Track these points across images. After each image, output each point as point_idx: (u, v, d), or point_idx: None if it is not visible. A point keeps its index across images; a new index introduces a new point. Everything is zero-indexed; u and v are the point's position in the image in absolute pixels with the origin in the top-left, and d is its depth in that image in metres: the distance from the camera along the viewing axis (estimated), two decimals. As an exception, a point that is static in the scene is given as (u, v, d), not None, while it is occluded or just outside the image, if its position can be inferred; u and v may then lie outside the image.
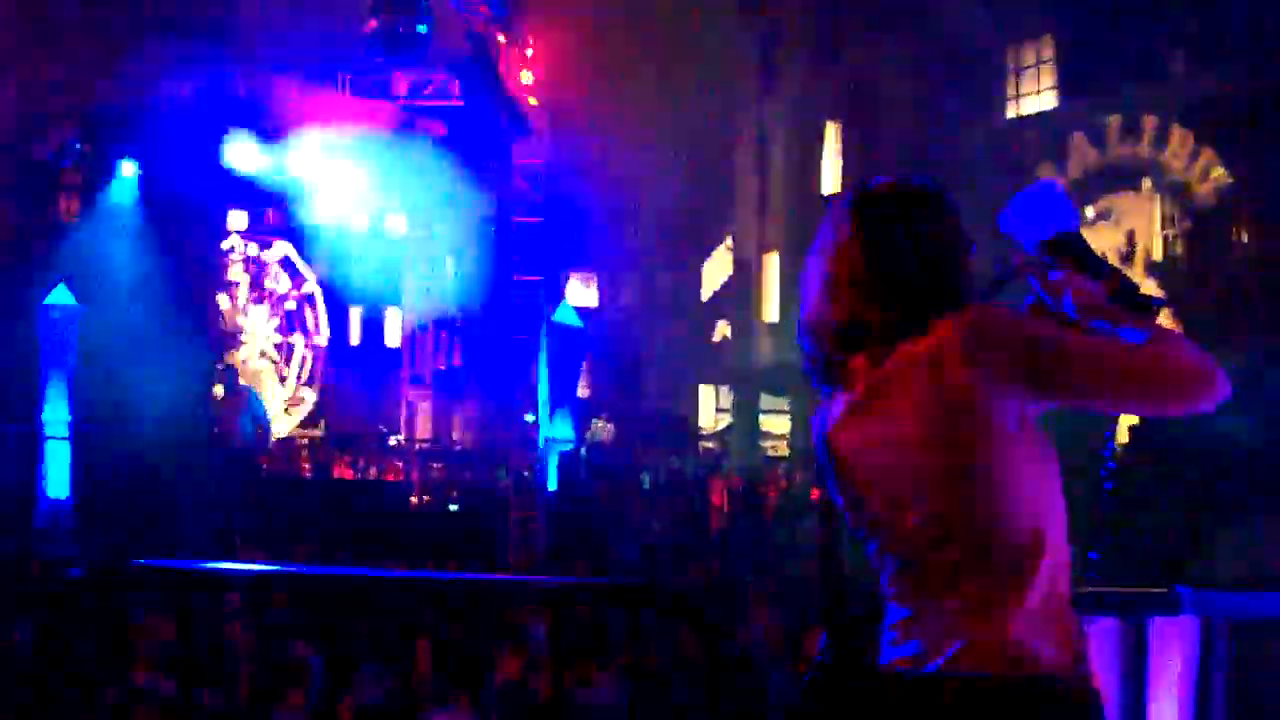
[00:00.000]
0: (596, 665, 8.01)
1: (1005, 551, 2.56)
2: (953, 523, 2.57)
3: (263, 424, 18.87)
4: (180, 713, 6.30)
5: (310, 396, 47.02)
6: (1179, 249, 23.70)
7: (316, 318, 47.55)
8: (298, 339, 46.71)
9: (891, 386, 2.61)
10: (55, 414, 18.81)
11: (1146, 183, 24.29)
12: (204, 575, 5.07)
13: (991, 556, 2.56)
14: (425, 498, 20.33)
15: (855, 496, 2.70)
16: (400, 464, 24.71)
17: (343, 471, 25.72)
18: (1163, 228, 24.27)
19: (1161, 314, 2.69)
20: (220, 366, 20.60)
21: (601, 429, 28.43)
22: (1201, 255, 22.84)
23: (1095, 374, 2.54)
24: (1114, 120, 24.80)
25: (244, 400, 18.54)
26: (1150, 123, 24.15)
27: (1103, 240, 24.36)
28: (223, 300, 37.37)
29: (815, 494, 2.82)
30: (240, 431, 17.41)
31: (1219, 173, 23.03)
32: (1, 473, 18.73)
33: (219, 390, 18.49)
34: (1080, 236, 2.70)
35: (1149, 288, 2.92)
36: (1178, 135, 23.68)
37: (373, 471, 25.22)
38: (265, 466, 21.35)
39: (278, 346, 46.46)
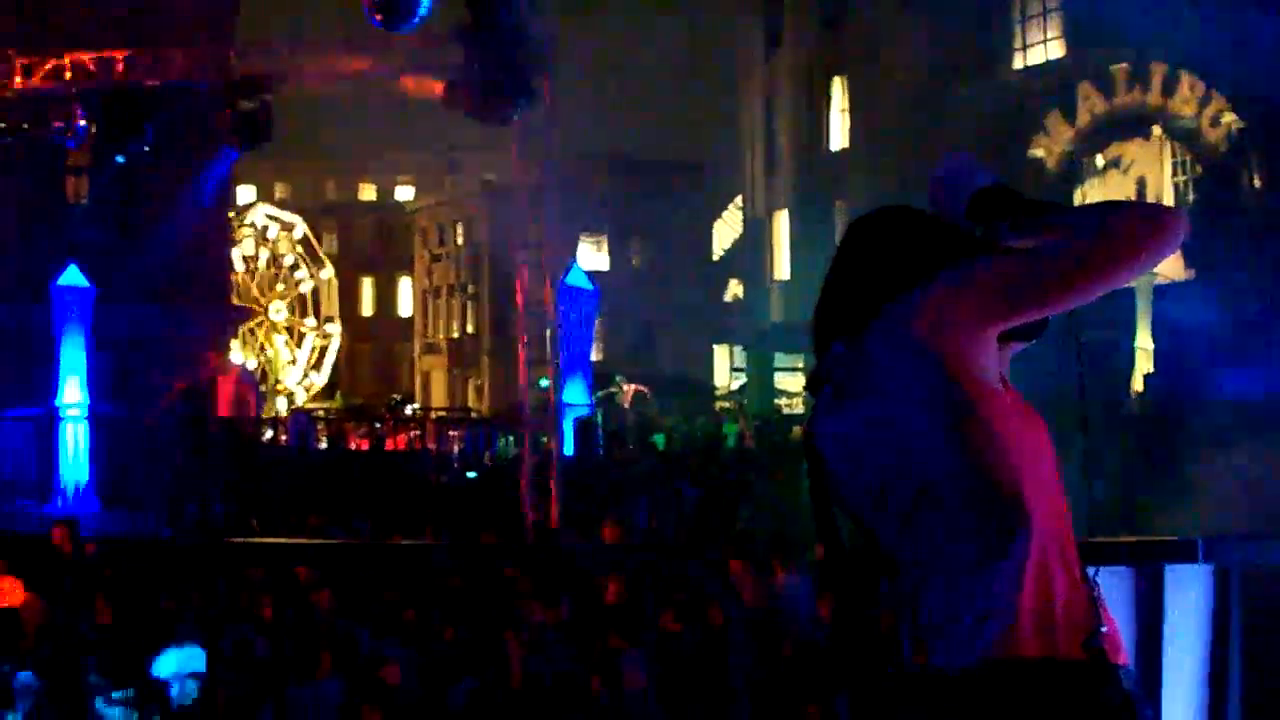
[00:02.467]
0: (623, 636, 8.05)
1: (988, 524, 2.53)
2: (932, 497, 2.55)
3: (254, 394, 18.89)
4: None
5: (320, 378, 47.15)
6: (1190, 196, 23.61)
7: (329, 295, 47.62)
8: (310, 323, 46.86)
9: (863, 370, 2.63)
10: (71, 395, 18.88)
11: (1156, 130, 24.19)
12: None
13: (974, 530, 2.53)
14: (443, 468, 20.38)
15: (840, 485, 2.71)
16: (417, 433, 24.74)
17: (359, 442, 25.75)
18: (1174, 175, 24.18)
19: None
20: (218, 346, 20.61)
21: (624, 391, 28.29)
22: (1214, 201, 22.75)
23: (1048, 272, 2.55)
24: (1122, 68, 24.68)
25: (238, 376, 18.56)
26: (1158, 70, 24.03)
27: (1113, 189, 24.28)
28: (236, 275, 37.47)
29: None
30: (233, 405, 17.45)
31: (1230, 118, 22.93)
32: (21, 454, 18.84)
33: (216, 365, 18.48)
34: (999, 188, 2.70)
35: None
36: (1187, 82, 23.57)
37: (389, 442, 25.25)
38: (280, 440, 21.43)
39: (289, 329, 46.59)
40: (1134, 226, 2.56)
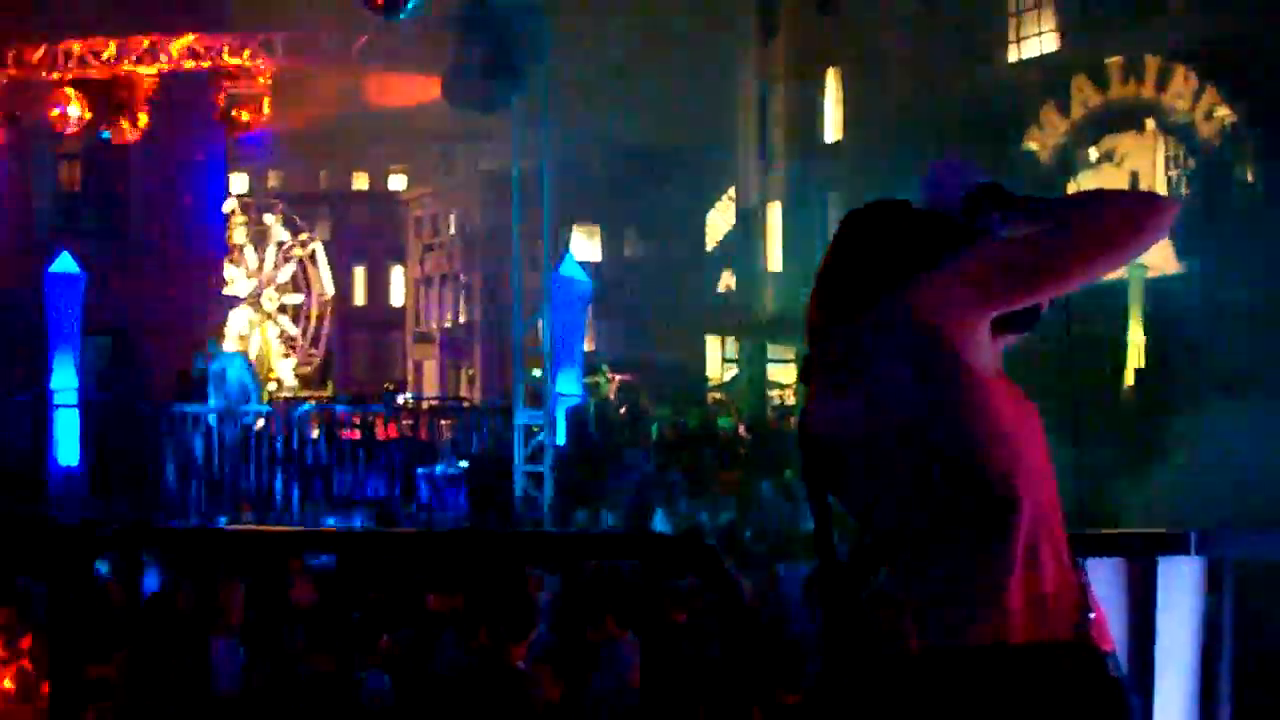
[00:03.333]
0: (615, 622, 8.04)
1: (981, 507, 2.56)
2: (927, 480, 2.58)
3: (247, 387, 18.87)
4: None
5: (318, 354, 47.11)
6: (1184, 189, 23.63)
7: (319, 276, 47.56)
8: (301, 299, 46.78)
9: (860, 356, 2.65)
10: (63, 382, 18.86)
11: (1150, 123, 24.20)
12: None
13: (967, 514, 2.56)
14: (436, 454, 20.37)
15: (835, 474, 2.73)
16: (409, 422, 24.72)
17: (350, 432, 25.70)
18: (1167, 168, 24.20)
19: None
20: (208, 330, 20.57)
21: (607, 381, 28.29)
22: (1207, 195, 22.78)
23: (1039, 258, 2.58)
24: (1116, 61, 24.69)
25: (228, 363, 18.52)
26: (1153, 63, 24.04)
27: (1107, 182, 24.30)
28: (226, 263, 37.38)
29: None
30: (225, 394, 17.43)
31: (1223, 112, 22.94)
32: (13, 440, 18.82)
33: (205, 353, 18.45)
34: (990, 186, 2.73)
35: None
36: (1180, 75, 23.58)
37: (381, 431, 25.22)
38: (269, 429, 21.39)
39: (282, 308, 46.51)
40: (1125, 211, 2.60)
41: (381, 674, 7.64)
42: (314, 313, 46.46)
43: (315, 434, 23.41)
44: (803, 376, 2.82)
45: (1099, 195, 2.65)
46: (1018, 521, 2.55)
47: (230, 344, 35.83)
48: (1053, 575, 2.57)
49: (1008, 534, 2.55)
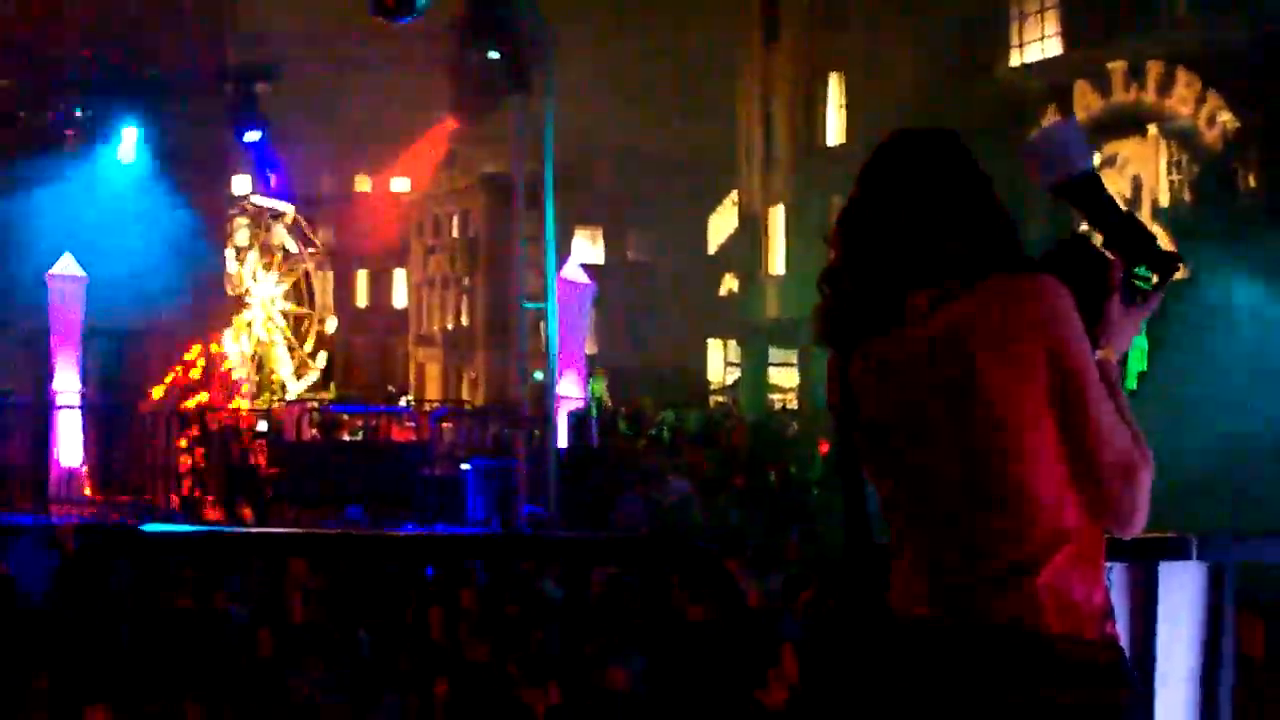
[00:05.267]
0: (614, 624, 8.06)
1: (1034, 507, 2.54)
2: (983, 472, 2.55)
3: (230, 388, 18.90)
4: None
5: (318, 365, 47.03)
6: (1185, 195, 23.62)
7: (322, 289, 47.43)
8: (302, 309, 46.67)
9: (935, 335, 2.59)
10: (65, 383, 18.87)
11: (1152, 129, 24.19)
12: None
13: (1018, 510, 2.55)
14: (437, 458, 20.37)
15: (880, 436, 2.68)
16: (411, 424, 24.76)
17: (351, 435, 25.72)
18: (1169, 174, 24.19)
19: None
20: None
21: (600, 384, 28.36)
22: (1208, 201, 22.76)
23: (1092, 428, 2.54)
24: (1118, 66, 24.68)
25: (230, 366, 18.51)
26: (1155, 68, 24.03)
27: (1109, 187, 24.29)
28: (230, 265, 37.38)
29: (824, 447, 2.82)
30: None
31: (1225, 118, 22.93)
32: (15, 441, 18.84)
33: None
34: (1096, 180, 2.68)
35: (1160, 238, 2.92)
36: (1183, 80, 23.57)
37: (382, 433, 25.26)
38: (272, 431, 21.39)
39: (283, 313, 46.42)
40: (1137, 490, 2.55)
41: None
42: (314, 327, 46.38)
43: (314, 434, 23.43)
44: (842, 327, 2.72)
45: (1138, 468, 2.57)
46: (1061, 545, 2.56)
47: (231, 344, 35.85)
48: (1084, 583, 2.59)
49: (1046, 553, 2.55)
